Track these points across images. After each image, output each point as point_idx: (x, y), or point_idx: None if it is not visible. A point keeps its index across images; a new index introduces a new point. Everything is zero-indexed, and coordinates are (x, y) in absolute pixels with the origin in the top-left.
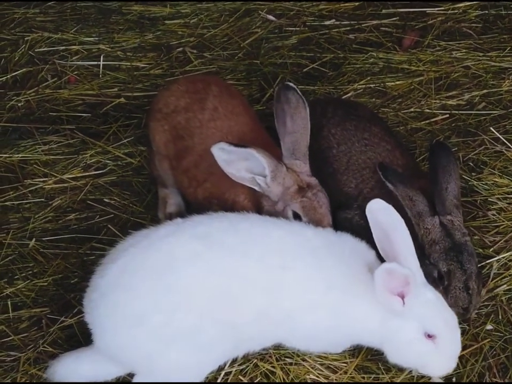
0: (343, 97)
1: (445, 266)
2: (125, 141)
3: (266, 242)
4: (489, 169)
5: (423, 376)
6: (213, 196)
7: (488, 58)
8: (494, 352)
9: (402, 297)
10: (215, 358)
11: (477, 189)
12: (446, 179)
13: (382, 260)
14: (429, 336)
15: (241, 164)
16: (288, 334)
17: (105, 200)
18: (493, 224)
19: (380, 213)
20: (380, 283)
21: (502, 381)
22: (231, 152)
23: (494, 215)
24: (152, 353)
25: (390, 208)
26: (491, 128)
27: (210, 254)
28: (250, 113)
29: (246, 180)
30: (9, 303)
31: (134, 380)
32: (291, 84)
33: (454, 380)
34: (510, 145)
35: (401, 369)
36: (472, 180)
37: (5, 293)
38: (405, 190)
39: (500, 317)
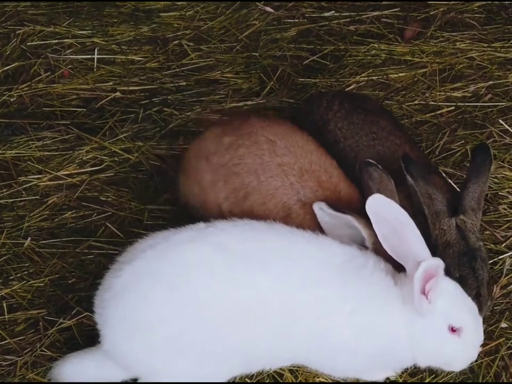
0: (346, 90)
1: (457, 272)
2: (121, 136)
3: (289, 257)
4: (499, 162)
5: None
6: None
7: (493, 49)
8: (511, 351)
9: (426, 294)
10: (224, 372)
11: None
12: (472, 179)
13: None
14: (453, 329)
15: (343, 230)
16: (310, 355)
17: (102, 198)
18: (504, 219)
19: (383, 209)
20: (418, 285)
21: None
22: (332, 216)
23: (505, 209)
24: (160, 362)
25: (392, 203)
26: (500, 120)
27: (229, 266)
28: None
29: None
30: (4, 304)
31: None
32: (370, 160)
33: (469, 382)
34: None
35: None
36: None
37: (0, 295)
38: (425, 186)
39: None
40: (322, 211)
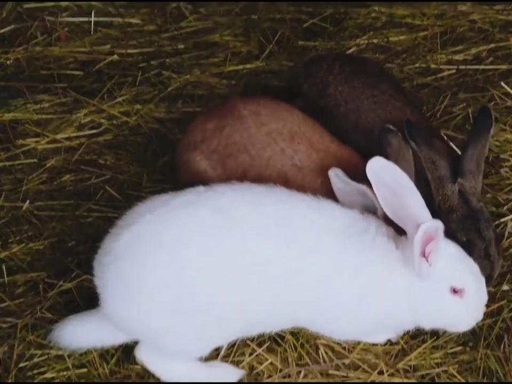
0: (346, 53)
1: (463, 236)
2: (120, 99)
3: (289, 221)
4: (500, 125)
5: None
6: None
7: (495, 11)
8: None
9: (427, 256)
10: (223, 336)
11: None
12: (471, 142)
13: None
14: (455, 291)
15: (356, 198)
16: (310, 319)
17: (100, 161)
18: (505, 182)
19: (384, 172)
20: (418, 248)
21: None
22: (346, 183)
23: (506, 172)
24: (160, 327)
25: (393, 166)
26: (501, 83)
27: (228, 231)
28: None
29: None
30: (3, 267)
31: (138, 347)
32: (390, 127)
33: (471, 343)
34: None
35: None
36: None
37: None
38: (428, 152)
39: None
40: (337, 177)
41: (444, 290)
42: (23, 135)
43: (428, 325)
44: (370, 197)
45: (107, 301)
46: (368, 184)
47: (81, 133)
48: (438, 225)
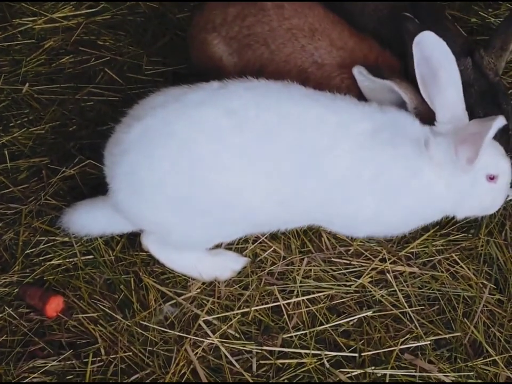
0: None
1: (481, 111)
2: None
3: (304, 123)
4: (507, 4)
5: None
6: None
7: None
8: None
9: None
10: (230, 234)
11: (494, 26)
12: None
13: None
14: (491, 178)
15: (384, 94)
16: (329, 220)
17: (99, 42)
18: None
19: (429, 48)
20: (480, 146)
21: None
22: (371, 81)
23: None
24: (167, 219)
25: (443, 44)
26: None
27: (239, 134)
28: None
29: None
30: (6, 152)
31: (143, 234)
32: (407, 14)
33: (473, 231)
34: None
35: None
36: (489, 17)
37: (0, 142)
38: (434, 29)
39: None
40: (361, 75)
41: (482, 179)
42: (19, 13)
43: (464, 214)
44: (398, 92)
45: (116, 191)
46: (393, 79)
47: (78, 12)
48: (504, 122)
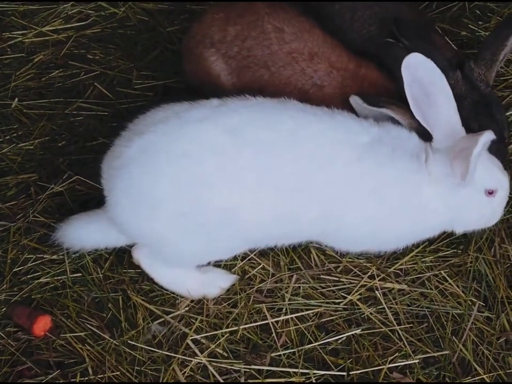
0: None
1: (475, 122)
2: None
3: (302, 138)
4: (497, 17)
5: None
6: None
7: None
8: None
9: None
10: (227, 251)
11: (483, 39)
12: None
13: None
14: (490, 192)
15: (382, 119)
16: (326, 235)
17: (89, 56)
18: (501, 78)
19: (420, 68)
20: (475, 160)
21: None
22: (370, 110)
23: (502, 67)
24: (163, 235)
25: (431, 63)
26: None
27: (238, 151)
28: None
29: None
30: None
31: (135, 247)
32: (391, 40)
33: (462, 247)
34: None
35: None
36: (480, 30)
37: None
38: (423, 46)
39: None
40: (359, 105)
41: (480, 194)
42: (9, 27)
43: (463, 228)
44: (395, 117)
45: (113, 204)
46: (389, 107)
47: (68, 25)
48: (492, 136)
